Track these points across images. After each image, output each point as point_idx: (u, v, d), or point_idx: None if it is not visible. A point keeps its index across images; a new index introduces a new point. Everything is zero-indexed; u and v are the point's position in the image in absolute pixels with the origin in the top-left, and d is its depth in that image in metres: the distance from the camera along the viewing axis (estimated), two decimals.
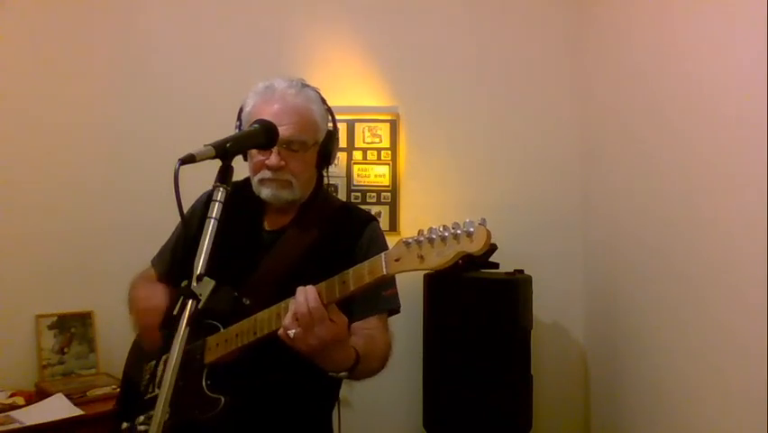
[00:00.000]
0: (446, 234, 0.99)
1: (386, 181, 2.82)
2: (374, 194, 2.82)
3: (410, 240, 1.04)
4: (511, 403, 2.39)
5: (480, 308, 2.41)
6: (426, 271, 1.05)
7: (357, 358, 1.28)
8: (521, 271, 2.54)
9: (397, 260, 1.06)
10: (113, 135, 2.78)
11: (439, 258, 1.00)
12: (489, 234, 0.95)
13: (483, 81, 2.89)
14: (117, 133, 2.78)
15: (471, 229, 0.96)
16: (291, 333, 1.16)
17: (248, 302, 1.38)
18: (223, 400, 1.30)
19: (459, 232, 0.97)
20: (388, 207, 2.80)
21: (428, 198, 2.84)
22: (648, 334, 2.22)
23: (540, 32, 2.90)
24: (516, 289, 2.43)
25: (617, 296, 2.50)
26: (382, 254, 1.09)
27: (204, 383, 1.34)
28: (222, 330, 1.35)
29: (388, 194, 2.81)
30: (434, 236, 1.00)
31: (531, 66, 2.89)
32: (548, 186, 2.86)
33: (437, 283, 2.49)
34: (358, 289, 1.13)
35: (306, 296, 1.16)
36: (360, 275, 1.12)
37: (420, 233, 1.03)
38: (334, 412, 1.57)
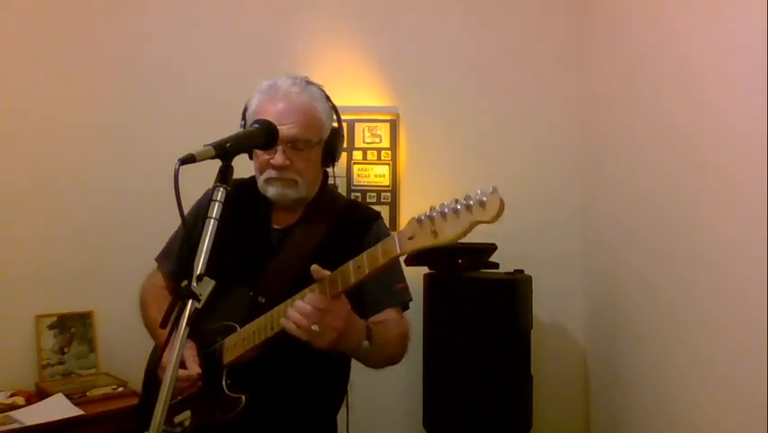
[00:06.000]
0: (458, 206, 0.96)
1: (386, 181, 2.82)
2: (374, 194, 2.82)
3: (422, 217, 1.01)
4: (511, 403, 2.39)
5: (480, 308, 2.41)
6: (441, 246, 1.01)
7: (367, 327, 1.31)
8: (521, 271, 2.54)
9: (410, 238, 1.04)
10: (113, 135, 2.78)
11: (453, 231, 0.97)
12: (502, 202, 0.92)
13: (483, 81, 2.89)
14: (117, 133, 2.78)
15: (484, 198, 0.93)
16: (315, 327, 1.17)
17: (263, 300, 1.39)
18: (243, 398, 1.32)
19: (471, 202, 0.94)
20: (388, 206, 2.80)
21: (428, 197, 2.81)
22: (648, 334, 2.22)
23: (540, 31, 2.90)
24: (516, 289, 2.43)
25: (617, 296, 2.50)
26: (395, 234, 1.08)
27: (224, 383, 1.36)
28: (239, 330, 1.37)
29: (388, 194, 2.81)
30: (446, 210, 0.98)
31: (531, 66, 2.89)
32: (548, 186, 2.86)
33: (437, 283, 2.49)
34: (373, 271, 1.12)
35: (302, 301, 1.21)
36: (374, 257, 1.12)
37: (432, 209, 1.00)
38: (342, 414, 1.60)
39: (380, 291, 1.44)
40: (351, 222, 1.54)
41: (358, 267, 1.14)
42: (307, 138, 1.43)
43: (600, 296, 2.70)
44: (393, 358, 1.42)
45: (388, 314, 1.46)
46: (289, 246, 1.48)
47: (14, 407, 2.26)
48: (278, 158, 1.41)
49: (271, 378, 1.37)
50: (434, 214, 1.00)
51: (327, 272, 1.19)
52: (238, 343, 1.35)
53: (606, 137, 2.64)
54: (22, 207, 2.61)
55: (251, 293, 1.41)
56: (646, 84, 2.24)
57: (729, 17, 1.73)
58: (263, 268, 1.46)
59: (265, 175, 1.46)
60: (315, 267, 1.19)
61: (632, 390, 2.35)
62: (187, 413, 1.35)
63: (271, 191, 1.46)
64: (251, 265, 1.46)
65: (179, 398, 1.34)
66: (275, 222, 1.53)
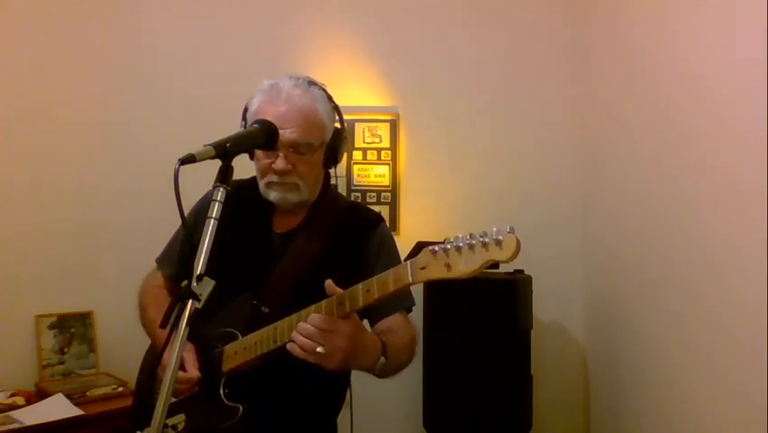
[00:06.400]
0: (474, 242, 0.95)
1: (386, 181, 2.82)
2: (374, 194, 2.82)
3: (437, 248, 1.00)
4: (511, 403, 2.39)
5: (480, 308, 2.41)
6: (453, 279, 1.01)
7: (381, 342, 1.29)
8: (521, 271, 2.54)
9: (422, 268, 1.03)
10: (113, 135, 2.78)
11: (467, 266, 0.96)
12: (518, 243, 0.93)
13: (483, 81, 2.89)
14: (117, 133, 2.78)
15: (500, 237, 0.93)
16: (320, 349, 1.14)
17: (267, 310, 1.37)
18: (241, 408, 1.31)
19: (487, 240, 0.94)
20: (387, 207, 2.80)
21: (428, 197, 2.84)
22: (648, 334, 2.22)
23: (541, 31, 2.90)
24: (516, 289, 2.43)
25: (617, 296, 2.50)
26: (408, 262, 1.06)
27: (221, 392, 1.34)
28: (240, 338, 1.35)
29: (388, 194, 2.81)
30: (461, 244, 0.97)
31: (531, 66, 2.89)
32: (548, 186, 2.86)
33: (437, 283, 2.48)
34: (382, 296, 1.11)
35: (305, 323, 1.17)
36: (384, 283, 1.10)
37: (446, 241, 0.99)
38: (346, 415, 1.61)
39: (387, 298, 1.43)
40: (353, 225, 1.52)
41: (367, 291, 1.12)
42: (309, 142, 1.41)
43: (600, 296, 2.70)
44: (405, 365, 1.42)
45: (395, 319, 1.44)
46: (292, 253, 1.46)
47: (14, 407, 2.26)
48: (280, 163, 1.39)
49: (271, 389, 1.36)
50: (449, 247, 0.98)
51: (340, 290, 1.17)
52: (239, 352, 1.34)
53: (606, 137, 2.64)
54: (22, 207, 2.61)
55: (255, 302, 1.39)
56: (646, 84, 2.24)
57: (729, 17, 1.73)
58: (266, 273, 1.44)
59: (266, 179, 1.44)
60: (329, 282, 1.17)
61: (632, 390, 2.35)
62: (181, 417, 1.33)
63: (273, 195, 1.45)
64: (254, 270, 1.45)
65: (173, 400, 1.34)
66: (277, 225, 1.52)
